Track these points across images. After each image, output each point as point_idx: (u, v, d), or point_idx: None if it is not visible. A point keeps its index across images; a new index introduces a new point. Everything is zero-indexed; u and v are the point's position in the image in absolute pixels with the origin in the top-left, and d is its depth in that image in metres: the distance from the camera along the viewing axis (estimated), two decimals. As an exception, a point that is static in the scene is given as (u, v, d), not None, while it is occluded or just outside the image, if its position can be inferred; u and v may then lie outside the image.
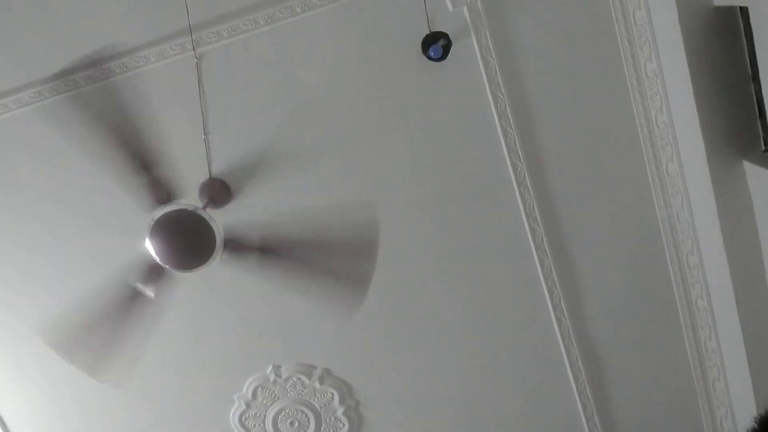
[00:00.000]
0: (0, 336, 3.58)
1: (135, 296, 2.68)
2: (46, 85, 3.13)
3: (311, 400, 3.79)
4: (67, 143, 2.80)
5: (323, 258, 2.79)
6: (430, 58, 3.12)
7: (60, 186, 3.31)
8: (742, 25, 2.92)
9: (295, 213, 3.32)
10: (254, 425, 3.83)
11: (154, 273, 2.64)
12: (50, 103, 3.16)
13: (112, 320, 2.75)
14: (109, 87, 3.07)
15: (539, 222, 3.45)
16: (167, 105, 3.20)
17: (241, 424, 3.82)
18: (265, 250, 2.74)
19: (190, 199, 2.84)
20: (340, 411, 3.81)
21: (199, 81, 3.17)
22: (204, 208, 2.75)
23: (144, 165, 2.58)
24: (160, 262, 2.60)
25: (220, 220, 2.69)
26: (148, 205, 2.60)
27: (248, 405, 3.78)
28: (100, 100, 2.84)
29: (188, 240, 2.61)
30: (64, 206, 3.34)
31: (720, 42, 2.99)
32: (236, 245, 2.70)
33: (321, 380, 3.74)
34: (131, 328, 2.77)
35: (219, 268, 2.77)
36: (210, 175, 3.25)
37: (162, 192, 2.59)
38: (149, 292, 2.65)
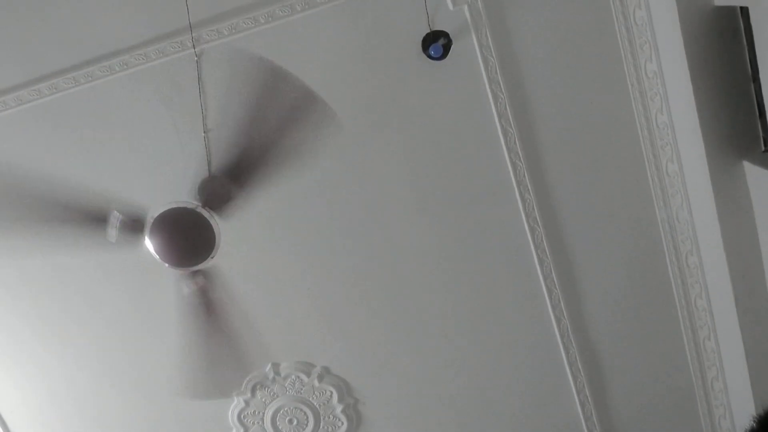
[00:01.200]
0: (-1, 333, 3.59)
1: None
2: (46, 82, 3.13)
3: (310, 398, 3.79)
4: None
5: (267, 125, 2.62)
6: (430, 57, 3.12)
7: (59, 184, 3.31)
8: (742, 24, 2.92)
9: (291, 197, 3.27)
10: (253, 423, 3.83)
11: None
12: (49, 102, 3.16)
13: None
14: None
15: (539, 221, 3.45)
16: (167, 102, 3.20)
17: (240, 421, 3.82)
18: (235, 177, 2.63)
19: (189, 197, 2.83)
20: (338, 409, 3.81)
21: (199, 78, 3.17)
22: (203, 206, 2.74)
23: (92, 217, 2.53)
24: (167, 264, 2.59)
25: (219, 218, 2.69)
26: (124, 241, 2.57)
27: (247, 403, 3.78)
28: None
29: (187, 238, 2.61)
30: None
31: (720, 42, 2.99)
32: (214, 198, 2.65)
33: (320, 378, 3.74)
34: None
35: (218, 265, 2.77)
36: (210, 172, 3.24)
37: (129, 226, 2.56)
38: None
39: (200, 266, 2.69)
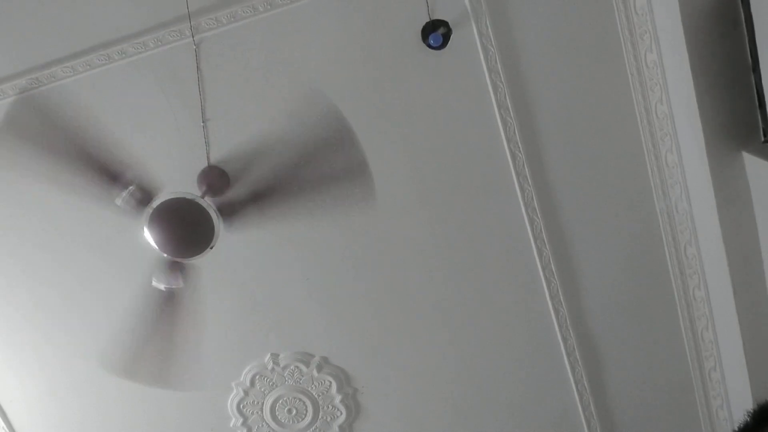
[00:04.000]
0: (-2, 323, 3.59)
1: (168, 296, 2.66)
2: (45, 71, 3.12)
3: (309, 388, 3.80)
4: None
5: (312, 169, 2.67)
6: (429, 46, 3.10)
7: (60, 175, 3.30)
8: (743, 14, 2.91)
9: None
10: (252, 413, 3.84)
11: (172, 267, 2.62)
12: (47, 90, 3.15)
13: (159, 328, 2.72)
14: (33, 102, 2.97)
15: (538, 212, 3.45)
16: (166, 92, 3.19)
17: (239, 411, 3.83)
18: (257, 197, 2.66)
19: (188, 187, 2.83)
20: (337, 399, 3.82)
21: (198, 68, 3.16)
22: (202, 196, 2.74)
23: (110, 176, 2.53)
24: (166, 254, 2.59)
25: (222, 218, 2.68)
26: (130, 210, 2.57)
27: (246, 393, 3.79)
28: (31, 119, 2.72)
29: (186, 228, 2.61)
30: (68, 196, 3.33)
31: (720, 32, 2.98)
32: (230, 208, 2.66)
33: (319, 368, 3.75)
34: (176, 326, 2.75)
35: (217, 256, 2.77)
36: (208, 162, 3.24)
37: (139, 195, 2.56)
38: (176, 284, 2.63)
39: (199, 257, 2.69)
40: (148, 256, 2.93)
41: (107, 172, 2.51)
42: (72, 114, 3.19)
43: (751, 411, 1.13)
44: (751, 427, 1.11)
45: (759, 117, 3.02)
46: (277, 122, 3.12)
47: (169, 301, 2.69)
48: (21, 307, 3.55)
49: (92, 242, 3.42)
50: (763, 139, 3.04)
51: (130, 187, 2.52)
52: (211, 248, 2.68)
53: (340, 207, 2.79)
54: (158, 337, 2.76)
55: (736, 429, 1.12)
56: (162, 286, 2.63)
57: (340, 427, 3.88)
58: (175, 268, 2.62)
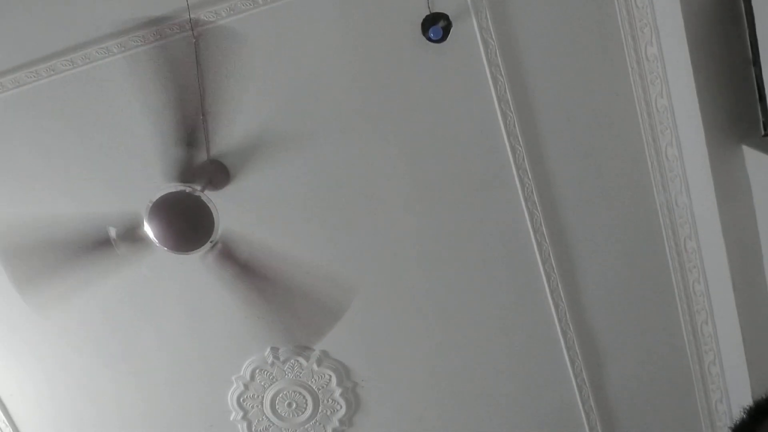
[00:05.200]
0: (-2, 317, 3.59)
1: (104, 242, 2.65)
2: (43, 64, 3.11)
3: (309, 382, 3.81)
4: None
5: (292, 298, 2.91)
6: (429, 39, 3.09)
7: (58, 171, 3.30)
8: (743, 8, 2.91)
9: (289, 183, 3.33)
10: (252, 406, 3.84)
11: (133, 234, 2.63)
12: (47, 84, 3.14)
13: (68, 252, 2.72)
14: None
15: (537, 206, 3.45)
16: (165, 85, 3.17)
17: (239, 405, 3.83)
18: (248, 267, 2.78)
19: (186, 180, 2.82)
20: (337, 392, 3.82)
21: (197, 61, 3.15)
22: (202, 190, 2.74)
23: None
24: (152, 239, 2.60)
25: (219, 202, 2.68)
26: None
27: (246, 386, 3.79)
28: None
29: (186, 222, 2.61)
30: (60, 187, 3.33)
31: (721, 25, 2.98)
32: (226, 252, 2.71)
33: (318, 362, 3.75)
34: (79, 267, 2.75)
35: (231, 230, 2.79)
36: (208, 156, 3.23)
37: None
38: (119, 246, 2.63)
39: (199, 251, 2.69)
40: (144, 250, 2.94)
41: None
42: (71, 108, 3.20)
43: (747, 407, 1.13)
44: (747, 423, 1.11)
45: (759, 110, 3.02)
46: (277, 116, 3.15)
47: (99, 246, 2.69)
48: (18, 301, 3.54)
49: (113, 272, 3.41)
50: (763, 132, 3.04)
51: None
52: (211, 242, 2.68)
53: (281, 326, 3.17)
54: (58, 256, 2.77)
55: (732, 426, 1.12)
56: (111, 234, 2.64)
57: (340, 420, 3.88)
58: (133, 240, 2.63)
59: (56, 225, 2.73)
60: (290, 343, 3.24)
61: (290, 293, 2.89)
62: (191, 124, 2.64)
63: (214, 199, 2.70)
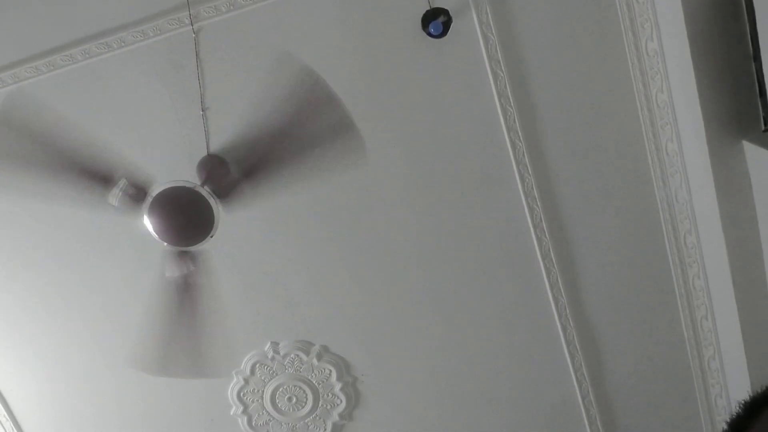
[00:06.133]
0: (-2, 312, 3.60)
1: (184, 283, 2.66)
2: (42, 60, 3.11)
3: (309, 377, 3.81)
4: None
5: (297, 134, 2.63)
6: (430, 34, 3.09)
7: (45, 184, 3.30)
8: (744, 3, 2.90)
9: (288, 177, 3.27)
10: (252, 401, 3.85)
11: (180, 256, 2.62)
12: (46, 79, 3.14)
13: (181, 319, 2.72)
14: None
15: (537, 201, 3.45)
16: (165, 80, 3.18)
17: (240, 399, 3.84)
18: (247, 171, 2.63)
19: (187, 175, 2.82)
20: (337, 387, 3.83)
21: (197, 56, 3.15)
22: (202, 185, 2.74)
23: (98, 177, 2.51)
24: (166, 243, 2.59)
25: (220, 201, 2.67)
26: (125, 208, 2.55)
27: (246, 381, 3.80)
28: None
29: (186, 217, 2.61)
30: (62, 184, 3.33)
31: (721, 20, 2.97)
32: (221, 188, 2.65)
33: (319, 357, 3.76)
34: (198, 315, 2.74)
35: (217, 244, 2.77)
36: (208, 151, 3.23)
37: (132, 193, 2.54)
38: (188, 269, 2.63)
39: (199, 246, 2.69)
40: (147, 247, 2.95)
41: (92, 175, 2.50)
42: (66, 106, 3.19)
43: (743, 401, 1.13)
44: (743, 418, 1.11)
45: (759, 106, 3.02)
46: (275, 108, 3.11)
47: (186, 288, 2.68)
48: (20, 298, 3.55)
49: (92, 234, 3.42)
50: (763, 127, 3.04)
51: (121, 184, 2.51)
52: (211, 237, 2.68)
53: (333, 167, 2.76)
54: (184, 328, 2.76)
55: (728, 421, 1.12)
56: (176, 275, 2.63)
57: (340, 415, 3.89)
58: (184, 256, 2.62)
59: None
60: (350, 138, 2.67)
61: (290, 135, 2.66)
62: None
63: (214, 195, 2.70)
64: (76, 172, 2.50)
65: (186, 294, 2.68)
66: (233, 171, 2.63)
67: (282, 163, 2.61)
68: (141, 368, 3.06)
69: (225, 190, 2.61)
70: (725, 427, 1.10)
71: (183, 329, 2.75)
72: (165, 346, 2.83)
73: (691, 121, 3.14)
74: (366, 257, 3.56)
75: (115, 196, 2.51)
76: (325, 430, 3.92)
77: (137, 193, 2.53)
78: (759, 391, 1.10)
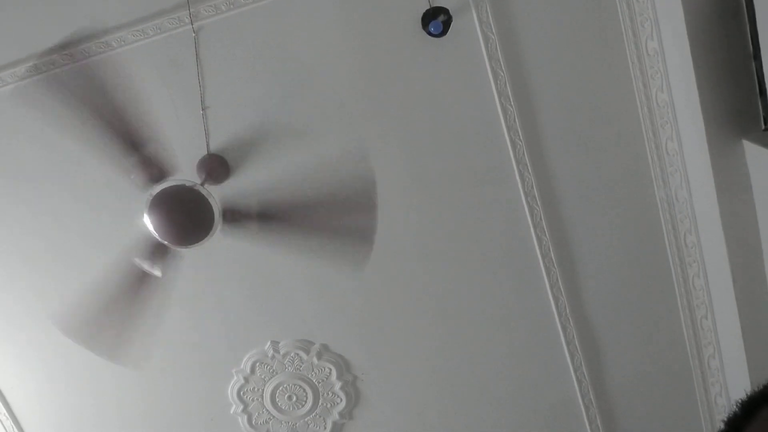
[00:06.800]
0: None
1: (143, 277, 2.67)
2: (42, 59, 3.10)
3: (309, 375, 3.81)
4: (49, 124, 2.74)
5: (323, 217, 2.76)
6: (430, 33, 3.09)
7: (55, 165, 3.30)
8: (744, 2, 2.90)
9: (289, 176, 3.30)
10: (252, 399, 3.86)
11: (157, 252, 2.63)
12: (33, 82, 3.13)
13: (123, 303, 2.74)
14: (86, 67, 3.02)
15: (537, 200, 3.45)
16: (165, 79, 3.18)
17: (240, 398, 3.84)
18: (263, 216, 2.70)
19: (187, 174, 2.83)
20: (337, 386, 3.83)
21: (197, 55, 3.15)
22: (202, 184, 2.74)
23: (132, 144, 2.54)
24: (160, 239, 2.60)
25: (219, 196, 2.68)
26: (141, 183, 2.58)
27: (246, 380, 3.80)
28: (78, 80, 2.77)
29: (186, 216, 2.61)
30: (61, 185, 3.34)
31: (721, 20, 2.97)
32: (235, 215, 2.68)
33: (319, 356, 3.76)
34: (142, 308, 2.76)
35: (217, 244, 2.77)
36: (208, 150, 3.23)
37: (154, 170, 2.56)
38: (155, 271, 2.64)
39: (199, 244, 2.69)
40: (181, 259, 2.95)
41: (130, 139, 2.54)
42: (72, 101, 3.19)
43: (740, 400, 1.12)
44: (740, 416, 1.10)
45: (759, 105, 3.02)
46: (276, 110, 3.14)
47: (142, 282, 2.69)
48: (21, 297, 3.55)
49: (93, 234, 3.42)
50: (763, 126, 3.04)
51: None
52: (211, 236, 2.68)
53: (337, 251, 2.93)
54: (121, 311, 2.77)
55: (724, 420, 1.12)
56: (143, 267, 2.64)
57: (340, 413, 3.90)
58: (161, 256, 2.63)
59: (96, 286, 2.71)
60: (361, 248, 2.95)
61: (317, 214, 2.78)
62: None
63: (215, 193, 2.70)
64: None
65: (139, 283, 2.69)
66: (251, 206, 2.70)
67: (294, 227, 2.72)
68: (66, 332, 3.07)
69: (234, 217, 2.66)
70: (722, 426, 1.10)
71: (120, 311, 2.76)
72: (98, 319, 2.85)
73: (691, 120, 3.14)
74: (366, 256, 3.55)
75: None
76: (325, 428, 3.92)
77: (158, 173, 2.56)
78: (756, 389, 1.10)
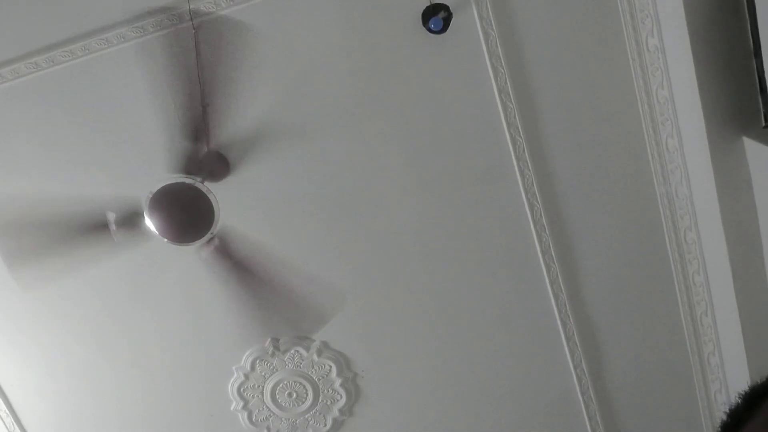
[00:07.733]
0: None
1: (101, 228, 2.66)
2: (42, 56, 3.10)
3: (309, 372, 3.82)
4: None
5: (280, 296, 2.98)
6: (430, 30, 3.09)
7: (58, 162, 3.30)
8: (745, -1, 2.90)
9: (289, 172, 3.34)
10: (252, 396, 3.86)
11: (130, 220, 2.63)
12: (46, 75, 3.13)
13: (66, 236, 2.72)
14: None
15: (538, 197, 3.45)
16: (164, 76, 3.17)
17: (240, 395, 3.84)
18: (241, 266, 2.81)
19: (186, 171, 2.82)
20: (337, 383, 3.84)
21: (197, 52, 3.14)
22: (202, 181, 2.74)
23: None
24: (152, 229, 2.60)
25: (218, 193, 2.68)
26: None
27: (247, 377, 3.80)
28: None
29: (186, 213, 2.61)
30: (62, 180, 3.33)
31: (722, 16, 2.97)
32: (223, 248, 2.72)
33: (319, 353, 3.76)
34: (73, 248, 2.75)
35: (227, 227, 2.79)
36: (208, 148, 3.23)
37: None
38: (116, 233, 2.64)
39: (199, 242, 2.69)
40: (149, 246, 2.95)
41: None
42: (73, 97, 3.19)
43: (742, 392, 1.12)
44: (743, 409, 1.10)
45: (760, 102, 3.02)
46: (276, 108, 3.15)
47: (96, 230, 2.69)
48: (22, 295, 3.55)
49: (109, 256, 3.42)
50: (763, 123, 3.04)
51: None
52: (212, 234, 2.68)
53: (263, 319, 3.24)
54: (59, 242, 2.78)
55: (727, 412, 1.11)
56: (108, 222, 2.64)
57: (340, 410, 3.90)
58: (131, 223, 2.63)
59: (53, 206, 2.72)
60: (275, 331, 3.34)
61: (280, 294, 2.93)
62: (195, 117, 2.64)
63: (214, 190, 2.70)
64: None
65: (93, 229, 2.69)
66: (239, 253, 2.86)
67: (259, 286, 2.96)
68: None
69: (220, 251, 2.72)
70: (724, 417, 1.09)
71: (58, 243, 2.77)
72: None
73: (692, 117, 3.14)
74: (366, 253, 3.56)
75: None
76: (325, 425, 3.92)
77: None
78: (758, 381, 1.09)
